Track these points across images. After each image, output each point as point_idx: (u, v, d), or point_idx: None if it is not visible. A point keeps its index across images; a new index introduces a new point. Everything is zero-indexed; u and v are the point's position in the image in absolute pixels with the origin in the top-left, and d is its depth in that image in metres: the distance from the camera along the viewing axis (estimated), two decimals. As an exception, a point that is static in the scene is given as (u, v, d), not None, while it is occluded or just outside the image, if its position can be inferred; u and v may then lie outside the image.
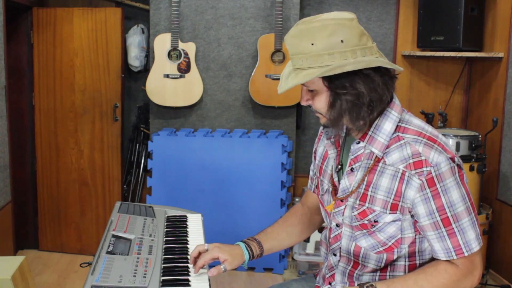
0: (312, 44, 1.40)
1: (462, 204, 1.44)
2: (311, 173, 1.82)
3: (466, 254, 1.44)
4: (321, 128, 1.76)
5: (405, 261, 1.53)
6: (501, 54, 3.56)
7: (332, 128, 1.54)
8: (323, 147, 1.72)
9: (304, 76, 1.41)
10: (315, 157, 1.78)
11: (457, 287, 1.46)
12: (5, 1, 3.42)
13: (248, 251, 1.70)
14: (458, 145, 3.37)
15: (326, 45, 1.40)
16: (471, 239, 1.44)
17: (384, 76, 1.45)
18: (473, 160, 3.37)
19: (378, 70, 1.44)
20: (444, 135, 3.35)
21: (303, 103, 1.52)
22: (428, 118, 3.92)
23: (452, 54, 3.74)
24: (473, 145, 3.39)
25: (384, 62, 1.44)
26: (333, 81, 1.42)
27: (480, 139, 3.45)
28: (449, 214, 1.43)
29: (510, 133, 3.49)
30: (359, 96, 1.42)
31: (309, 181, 1.85)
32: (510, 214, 3.51)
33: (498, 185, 3.62)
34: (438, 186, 1.42)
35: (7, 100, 3.46)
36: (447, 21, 3.65)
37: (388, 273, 1.54)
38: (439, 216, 1.43)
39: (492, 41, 3.70)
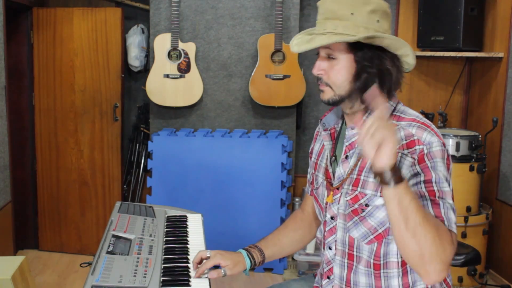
0: (352, 14, 1.43)
1: (447, 186, 1.43)
2: (308, 176, 1.82)
3: (446, 226, 1.40)
4: (317, 128, 1.76)
5: (398, 258, 1.53)
6: (501, 54, 3.56)
7: (333, 102, 1.52)
8: (319, 144, 1.73)
9: (342, 37, 1.42)
10: (311, 157, 1.79)
11: (443, 245, 1.35)
12: (5, 1, 3.42)
13: (249, 258, 1.70)
14: (458, 145, 3.37)
15: (365, 19, 1.43)
16: (452, 218, 1.41)
17: (401, 67, 1.51)
18: (473, 160, 3.38)
19: (399, 60, 1.49)
20: (444, 135, 3.36)
21: (316, 72, 1.51)
22: (428, 118, 3.93)
23: (452, 54, 3.74)
24: (473, 145, 3.39)
25: (412, 53, 1.49)
26: (363, 53, 1.45)
27: (480, 139, 3.45)
28: (435, 188, 1.42)
29: (510, 133, 3.49)
30: (384, 73, 1.46)
31: (307, 184, 1.85)
32: (510, 214, 3.51)
33: (498, 185, 3.63)
34: (428, 162, 1.43)
35: (7, 100, 3.46)
36: (447, 21, 3.65)
37: (382, 271, 1.54)
38: (425, 188, 1.42)
39: (492, 41, 3.71)
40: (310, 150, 1.80)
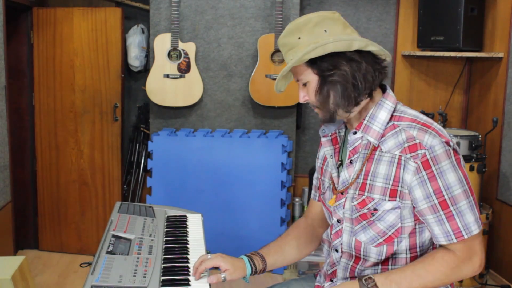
0: (299, 38, 1.48)
1: (459, 187, 1.44)
2: (314, 181, 1.82)
3: (466, 236, 1.44)
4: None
5: (406, 254, 1.53)
6: (501, 54, 3.56)
7: (329, 119, 1.54)
8: (324, 150, 1.73)
9: (289, 63, 1.49)
10: (318, 162, 1.79)
11: (456, 274, 1.46)
12: (5, 1, 3.43)
13: (250, 265, 1.68)
14: (458, 145, 3.37)
15: (311, 36, 1.47)
16: (470, 222, 1.44)
17: (371, 61, 1.49)
18: (473, 160, 3.38)
19: (365, 56, 1.48)
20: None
21: (301, 100, 1.57)
22: (428, 118, 3.92)
23: (452, 54, 3.74)
24: (473, 145, 3.39)
25: (366, 43, 1.47)
26: (319, 65, 1.48)
27: (480, 139, 3.45)
28: (446, 197, 1.43)
29: (510, 133, 3.49)
30: (343, 76, 1.46)
31: (313, 190, 1.85)
32: (510, 214, 3.51)
33: (498, 185, 3.62)
34: (433, 168, 1.43)
35: (7, 100, 3.46)
36: (447, 21, 3.65)
37: (389, 266, 1.55)
38: (436, 199, 1.44)
39: (492, 41, 3.71)
40: (317, 156, 1.80)
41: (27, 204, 4.05)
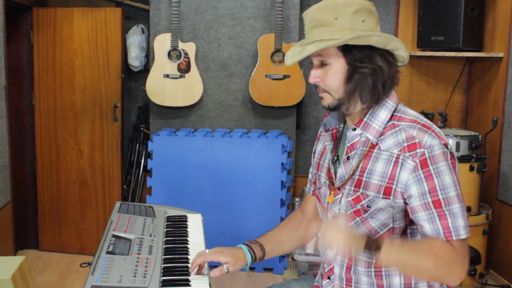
0: (336, 18, 1.45)
1: (454, 190, 1.45)
2: (310, 175, 1.83)
3: (454, 238, 1.43)
4: (320, 128, 1.77)
5: None
6: (501, 54, 3.56)
7: (334, 107, 1.53)
8: (322, 145, 1.74)
9: (329, 42, 1.44)
10: (314, 156, 1.79)
11: (445, 270, 1.43)
12: (5, 1, 3.43)
13: (250, 253, 1.70)
14: (458, 145, 3.37)
15: (349, 21, 1.45)
16: (460, 225, 1.44)
17: (396, 65, 1.52)
18: (473, 160, 3.38)
19: (394, 58, 1.51)
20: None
21: (312, 81, 1.54)
22: (428, 118, 3.91)
23: (452, 54, 3.74)
24: (473, 145, 3.39)
25: (401, 45, 1.50)
26: (352, 54, 1.47)
27: (480, 139, 3.45)
28: (440, 197, 1.44)
29: (510, 133, 3.49)
30: (377, 70, 1.47)
31: (308, 184, 1.86)
32: (510, 214, 3.51)
33: (498, 185, 3.63)
34: (431, 167, 1.44)
35: (7, 100, 3.46)
36: (447, 21, 3.65)
37: (383, 269, 1.55)
38: (431, 197, 1.44)
39: (492, 41, 3.71)
40: (313, 150, 1.80)
41: (27, 204, 4.05)
